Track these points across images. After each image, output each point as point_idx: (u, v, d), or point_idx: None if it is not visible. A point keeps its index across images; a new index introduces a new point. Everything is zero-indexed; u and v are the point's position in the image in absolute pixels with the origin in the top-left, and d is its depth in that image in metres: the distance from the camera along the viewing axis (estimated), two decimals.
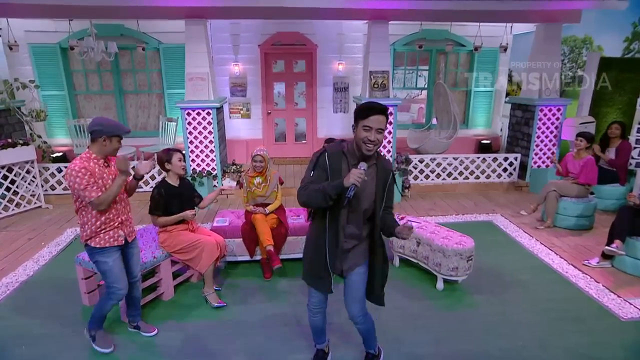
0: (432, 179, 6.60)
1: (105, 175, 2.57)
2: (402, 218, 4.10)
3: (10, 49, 5.69)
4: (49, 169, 5.83)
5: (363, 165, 2.00)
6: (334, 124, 8.00)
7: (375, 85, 6.10)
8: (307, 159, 7.84)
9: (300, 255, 4.00)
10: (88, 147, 2.57)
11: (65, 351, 2.84)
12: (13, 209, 5.39)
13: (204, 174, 5.94)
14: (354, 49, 7.67)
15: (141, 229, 3.84)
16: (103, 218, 2.59)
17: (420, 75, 8.63)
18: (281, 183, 4.09)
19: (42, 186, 5.70)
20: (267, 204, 3.97)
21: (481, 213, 5.61)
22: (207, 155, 6.07)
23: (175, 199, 3.36)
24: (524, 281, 3.81)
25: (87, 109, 7.24)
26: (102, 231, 2.62)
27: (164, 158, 3.35)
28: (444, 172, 6.66)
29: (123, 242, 2.71)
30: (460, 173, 6.66)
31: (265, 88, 7.72)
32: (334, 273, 2.26)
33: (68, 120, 6.69)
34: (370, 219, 2.21)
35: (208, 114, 5.87)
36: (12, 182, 5.46)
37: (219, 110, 6.26)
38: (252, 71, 7.62)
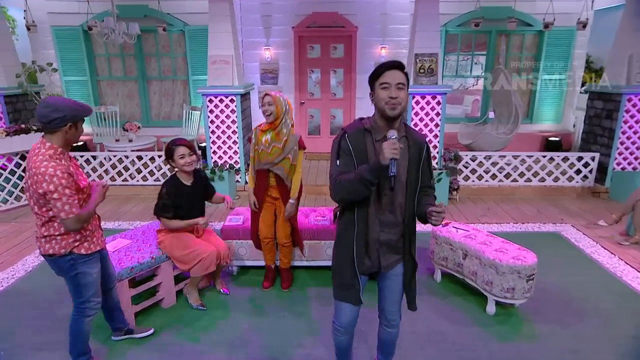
0: (486, 180, 6.00)
1: (74, 176, 2.15)
2: (447, 224, 3.63)
3: (29, 29, 5.77)
4: None
5: (392, 133, 1.81)
6: None
7: (422, 70, 5.62)
8: None
9: (324, 263, 3.79)
10: (42, 139, 2.13)
11: None
12: (25, 200, 5.43)
13: (225, 167, 5.74)
14: (399, 31, 7.21)
15: (144, 226, 3.65)
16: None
17: (476, 63, 8.02)
18: (303, 148, 3.24)
19: None
20: (274, 174, 3.19)
21: (546, 222, 4.98)
22: (229, 147, 5.86)
23: (183, 199, 3.07)
24: (603, 311, 3.21)
25: (109, 96, 7.30)
26: (91, 233, 2.32)
27: (167, 153, 3.05)
28: (500, 172, 6.04)
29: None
30: (521, 174, 6.01)
31: (298, 75, 7.44)
32: (365, 274, 2.06)
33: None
34: (405, 202, 1.98)
35: (232, 101, 5.65)
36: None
37: (244, 97, 6.04)
38: (285, 56, 7.36)
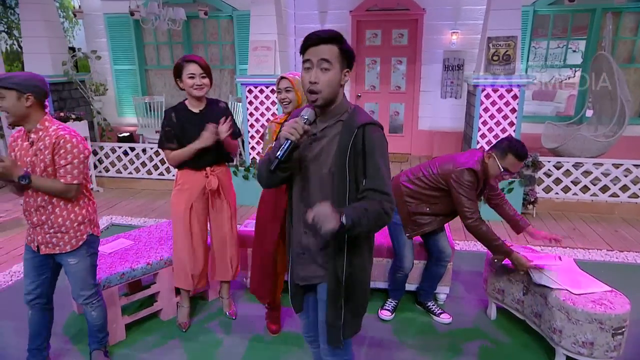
0: (575, 194, 5.15)
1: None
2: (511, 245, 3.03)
3: (75, 15, 5.99)
4: (104, 149, 6.02)
5: (306, 112, 1.59)
6: (442, 113, 6.95)
7: (495, 58, 4.94)
8: (404, 156, 6.98)
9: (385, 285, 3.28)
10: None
11: None
12: None
13: None
14: (474, 13, 6.52)
15: (152, 226, 3.50)
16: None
17: (574, 50, 7.07)
18: None
19: (96, 167, 5.89)
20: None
21: None
22: None
23: (190, 130, 2.60)
24: None
25: (157, 86, 7.45)
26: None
27: (175, 72, 2.64)
28: (595, 184, 5.14)
29: None
30: (624, 188, 5.07)
31: (355, 65, 7.01)
32: (296, 282, 1.83)
33: (135, 97, 6.91)
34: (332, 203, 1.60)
35: (273, 91, 5.41)
36: None
37: None
38: None
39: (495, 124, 4.99)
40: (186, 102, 2.70)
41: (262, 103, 5.50)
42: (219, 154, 2.75)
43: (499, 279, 2.92)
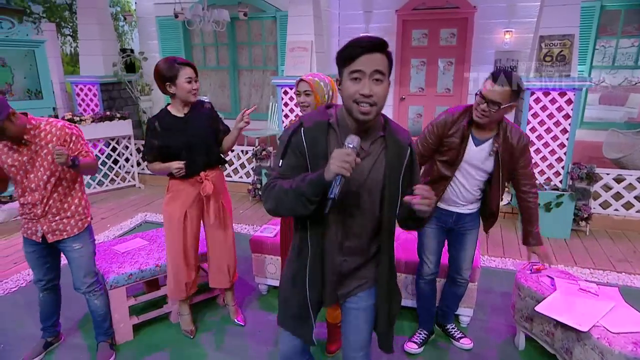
0: (638, 211, 4.58)
1: None
2: (540, 269, 2.71)
3: (125, 18, 6.24)
4: None
5: (352, 140, 1.35)
6: None
7: (548, 58, 4.51)
8: None
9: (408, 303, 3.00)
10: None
11: None
12: (107, 185, 5.89)
13: None
14: (530, 10, 6.04)
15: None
16: None
17: None
18: None
19: (139, 164, 6.09)
20: None
21: None
22: None
23: (175, 135, 2.49)
24: None
25: (202, 86, 7.61)
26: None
27: (165, 73, 2.42)
28: None
29: None
30: None
31: (400, 66, 6.79)
32: (318, 309, 1.68)
33: None
34: (380, 224, 1.58)
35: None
36: (115, 161, 5.98)
37: None
38: None
39: (545, 130, 4.56)
40: (169, 107, 2.58)
41: (297, 105, 5.41)
42: (211, 159, 2.67)
43: (527, 306, 2.61)
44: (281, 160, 1.53)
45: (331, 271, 1.59)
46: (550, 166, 4.61)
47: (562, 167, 4.58)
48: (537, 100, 4.51)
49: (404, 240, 3.15)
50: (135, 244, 3.14)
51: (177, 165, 2.49)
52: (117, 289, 2.73)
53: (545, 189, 4.52)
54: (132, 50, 6.49)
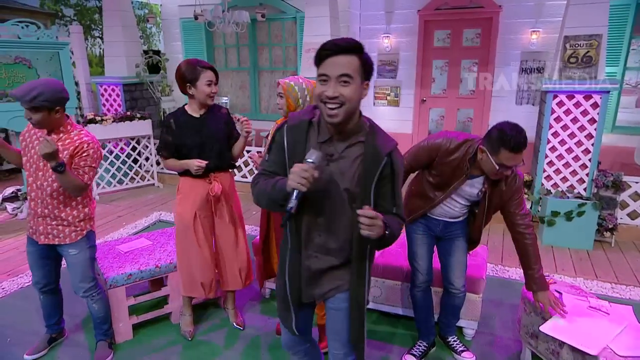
0: None
1: None
2: (552, 283, 2.56)
3: (147, 21, 6.36)
4: None
5: (311, 155, 1.41)
6: (515, 120, 6.19)
7: (573, 60, 4.29)
8: None
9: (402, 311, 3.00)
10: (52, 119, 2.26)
11: None
12: (127, 183, 6.02)
13: None
14: (559, 9, 5.74)
15: (173, 228, 3.52)
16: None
17: None
18: None
19: (158, 164, 6.19)
20: None
21: None
22: None
23: (190, 135, 2.55)
24: None
25: (223, 87, 7.67)
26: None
27: (187, 75, 2.47)
28: None
29: None
30: None
31: (421, 67, 6.64)
32: (298, 302, 1.71)
33: None
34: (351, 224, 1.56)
35: None
36: (135, 160, 6.10)
37: None
38: (407, 45, 6.66)
39: (569, 135, 4.34)
40: (186, 106, 2.64)
41: None
42: (222, 161, 2.69)
43: (533, 322, 2.47)
44: (268, 155, 1.65)
45: (304, 266, 1.65)
46: (574, 173, 4.38)
47: (587, 175, 4.35)
48: (560, 104, 4.30)
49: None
50: (138, 244, 3.17)
51: (198, 163, 2.53)
52: (116, 288, 2.75)
53: (568, 197, 4.31)
54: (156, 52, 6.61)
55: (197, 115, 2.60)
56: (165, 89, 6.28)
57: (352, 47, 1.39)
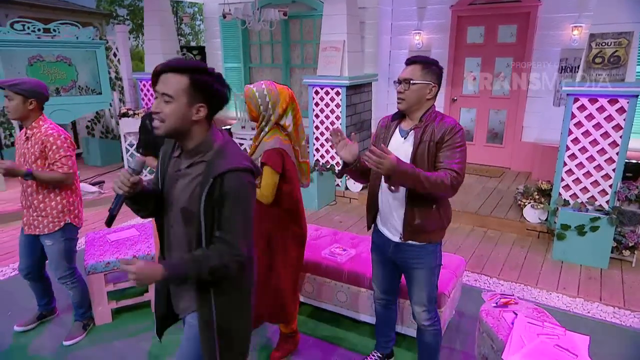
0: None
1: None
2: (507, 304, 2.40)
3: (182, 20, 6.65)
4: None
5: (133, 161, 1.52)
6: (552, 123, 5.80)
7: (598, 60, 3.90)
8: (500, 170, 6.14)
9: (333, 308, 3.02)
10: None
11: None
12: (146, 175, 6.37)
13: (327, 167, 5.39)
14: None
15: None
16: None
17: None
18: (268, 164, 2.25)
19: None
20: None
21: None
22: (332, 146, 5.45)
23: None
24: None
25: None
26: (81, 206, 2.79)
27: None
28: None
29: None
30: None
31: (452, 65, 6.36)
32: (162, 313, 1.79)
33: (234, 94, 7.40)
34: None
35: (337, 93, 5.22)
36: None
37: (358, 89, 5.47)
38: (438, 42, 6.40)
39: (590, 143, 3.96)
40: None
41: (327, 105, 5.36)
42: None
43: (484, 343, 2.32)
44: None
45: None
46: (595, 184, 4.00)
47: (610, 186, 3.95)
48: (582, 108, 3.93)
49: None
50: (126, 234, 3.38)
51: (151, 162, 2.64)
52: (95, 274, 2.96)
53: (587, 210, 3.95)
54: (190, 49, 6.91)
55: None
56: None
57: (180, 68, 1.43)
